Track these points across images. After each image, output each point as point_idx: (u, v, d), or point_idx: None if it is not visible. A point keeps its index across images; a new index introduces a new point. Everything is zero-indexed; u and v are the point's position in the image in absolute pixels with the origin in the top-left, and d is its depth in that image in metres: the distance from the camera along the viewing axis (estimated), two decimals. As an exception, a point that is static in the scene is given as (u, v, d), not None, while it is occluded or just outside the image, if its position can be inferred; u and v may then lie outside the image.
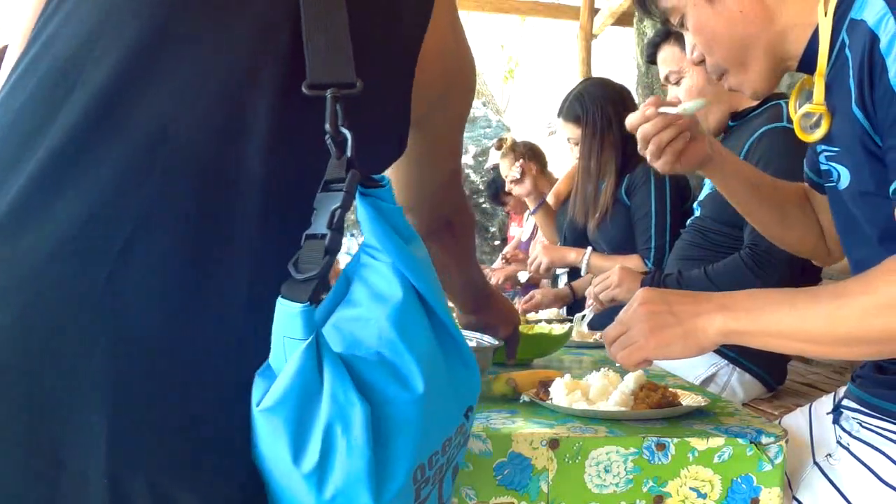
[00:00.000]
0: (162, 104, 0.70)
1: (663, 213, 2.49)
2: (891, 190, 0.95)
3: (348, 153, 0.68)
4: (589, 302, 2.16)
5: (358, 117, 0.70)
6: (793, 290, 1.02)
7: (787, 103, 1.95)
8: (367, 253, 0.68)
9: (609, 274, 2.08)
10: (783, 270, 1.78)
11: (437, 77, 0.87)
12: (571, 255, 2.64)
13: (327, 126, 0.69)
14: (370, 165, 0.75)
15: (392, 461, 0.64)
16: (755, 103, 2.03)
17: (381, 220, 0.67)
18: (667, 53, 2.15)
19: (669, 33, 2.12)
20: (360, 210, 0.67)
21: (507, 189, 4.14)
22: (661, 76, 2.20)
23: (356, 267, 0.68)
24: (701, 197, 2.14)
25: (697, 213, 2.13)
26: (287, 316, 0.62)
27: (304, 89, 0.69)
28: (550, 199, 3.54)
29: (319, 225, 0.65)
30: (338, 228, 0.64)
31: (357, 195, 0.67)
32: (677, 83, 2.13)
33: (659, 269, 2.14)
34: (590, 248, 2.59)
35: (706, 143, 1.32)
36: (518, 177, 3.36)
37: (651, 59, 2.24)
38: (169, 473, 0.63)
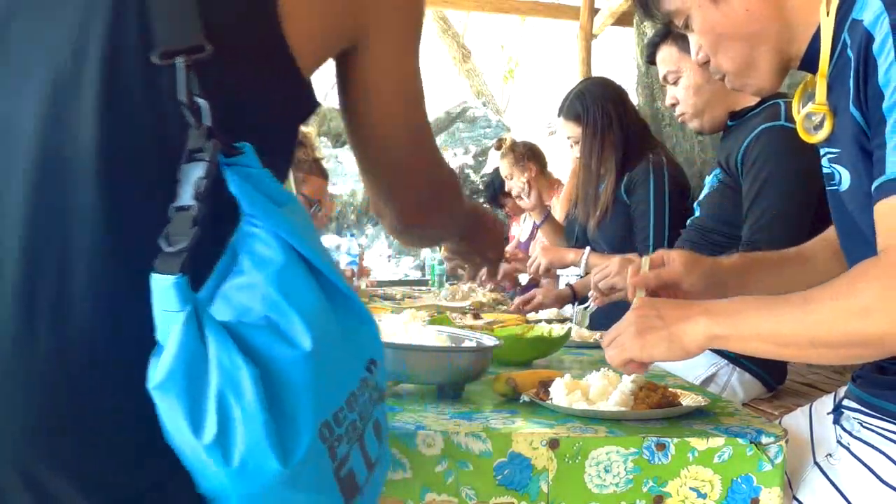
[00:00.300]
0: (5, 96, 0.70)
1: (661, 210, 2.49)
2: (873, 187, 0.96)
3: (206, 122, 0.67)
4: (592, 295, 2.16)
5: (220, 78, 0.69)
6: (775, 296, 1.04)
7: (785, 102, 1.95)
8: (248, 222, 0.68)
9: (608, 264, 2.10)
10: None
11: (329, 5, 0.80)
12: (570, 255, 2.64)
13: (183, 96, 0.67)
14: (265, 129, 0.74)
15: (293, 421, 0.64)
16: (753, 103, 2.03)
17: (250, 187, 0.68)
18: (665, 53, 2.15)
19: (668, 33, 2.12)
20: (228, 180, 0.67)
21: (506, 189, 4.14)
22: (660, 76, 2.20)
23: (241, 237, 0.69)
24: (700, 197, 2.14)
25: (697, 212, 2.13)
26: (162, 289, 0.63)
27: (154, 59, 0.68)
28: (558, 214, 3.55)
29: (185, 196, 0.65)
30: (204, 199, 0.65)
31: (222, 165, 0.67)
32: (675, 83, 2.14)
33: None
34: (588, 248, 2.59)
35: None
36: (525, 190, 3.32)
37: (650, 59, 2.24)
38: (39, 462, 0.63)
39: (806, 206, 1.85)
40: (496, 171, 4.25)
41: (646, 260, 1.27)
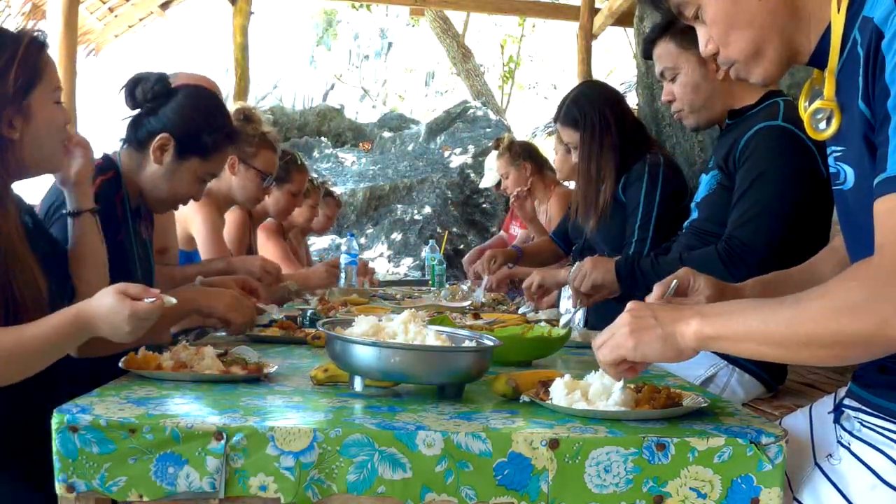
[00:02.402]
0: None
1: (650, 210, 2.49)
2: (874, 183, 0.97)
3: None
4: (568, 305, 2.16)
5: None
6: (768, 298, 1.04)
7: (784, 102, 1.94)
8: None
9: (581, 265, 2.09)
10: (754, 268, 1.77)
11: None
12: (561, 272, 2.64)
13: None
14: None
15: None
16: (753, 101, 2.02)
17: None
18: (662, 50, 2.13)
19: (666, 29, 2.11)
20: None
21: (501, 189, 4.17)
22: (657, 72, 2.19)
23: None
24: (697, 198, 2.13)
25: (695, 214, 2.12)
26: None
27: None
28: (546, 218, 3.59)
29: None
30: None
31: None
32: (673, 79, 2.12)
33: (635, 252, 2.13)
34: (577, 264, 2.57)
35: None
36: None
37: (647, 55, 2.23)
38: None
39: (794, 207, 1.84)
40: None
41: (674, 282, 1.27)
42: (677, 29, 2.06)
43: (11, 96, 1.40)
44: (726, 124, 2.09)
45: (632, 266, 2.04)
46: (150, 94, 1.89)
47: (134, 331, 1.28)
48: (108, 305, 1.27)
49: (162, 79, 1.91)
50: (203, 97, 1.99)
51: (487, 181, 4.71)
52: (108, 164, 1.86)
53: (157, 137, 1.87)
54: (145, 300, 1.27)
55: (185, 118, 1.90)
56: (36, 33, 1.49)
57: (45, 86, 1.45)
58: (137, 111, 1.91)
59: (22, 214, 1.53)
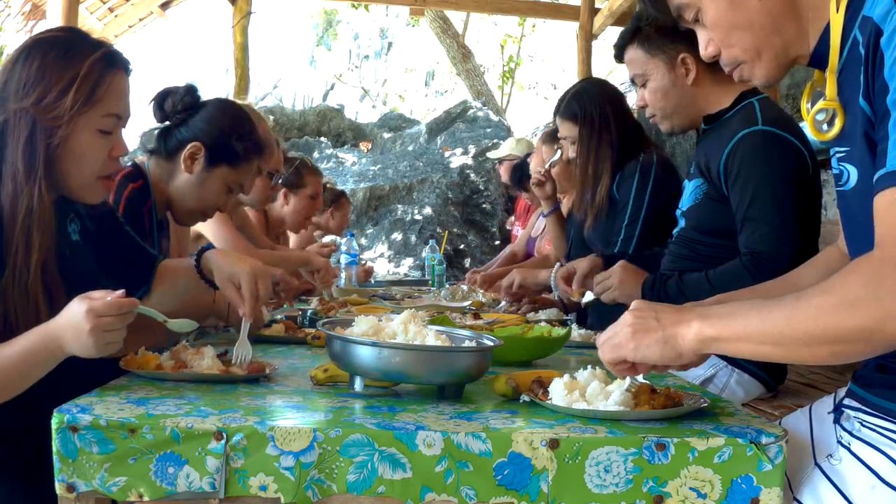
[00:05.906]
0: None
1: (638, 209, 2.49)
2: (874, 179, 0.97)
3: None
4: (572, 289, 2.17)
5: None
6: (769, 298, 1.04)
7: (759, 101, 1.94)
8: None
9: (609, 275, 2.08)
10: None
11: None
12: (543, 273, 2.63)
13: None
14: None
15: None
16: (727, 104, 2.00)
17: None
18: (631, 56, 2.13)
19: (633, 36, 2.11)
20: None
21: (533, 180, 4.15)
22: (629, 78, 2.19)
23: None
24: (683, 207, 2.10)
25: (682, 223, 2.10)
26: None
27: None
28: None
29: None
30: None
31: None
32: (643, 85, 2.12)
33: (661, 273, 2.12)
34: (557, 265, 2.55)
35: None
36: (543, 177, 3.19)
37: (618, 60, 2.23)
38: None
39: (798, 206, 1.84)
40: (525, 156, 4.22)
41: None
42: (644, 35, 2.07)
43: (66, 118, 1.34)
44: (702, 129, 2.08)
45: (658, 291, 1.98)
46: (179, 105, 1.92)
47: (99, 345, 1.20)
48: (69, 319, 1.20)
49: (191, 90, 1.94)
50: (231, 107, 2.03)
51: (498, 153, 4.80)
52: (137, 174, 1.87)
53: (188, 146, 1.90)
54: (107, 298, 1.19)
55: (215, 126, 1.94)
56: (110, 51, 1.43)
57: (95, 111, 1.38)
58: (166, 123, 1.94)
59: (69, 225, 1.49)
